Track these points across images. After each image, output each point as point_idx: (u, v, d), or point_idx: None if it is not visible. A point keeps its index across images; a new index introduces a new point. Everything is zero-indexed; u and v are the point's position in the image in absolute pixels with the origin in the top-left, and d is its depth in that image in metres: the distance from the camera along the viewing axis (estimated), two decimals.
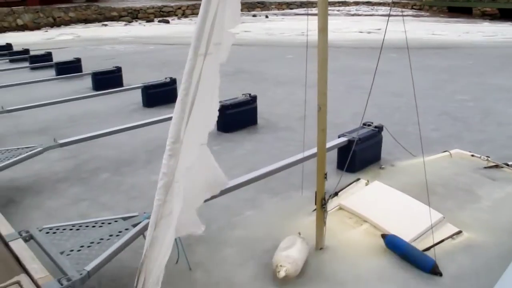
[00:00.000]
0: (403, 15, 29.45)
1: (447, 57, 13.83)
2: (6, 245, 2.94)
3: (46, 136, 6.63)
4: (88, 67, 11.48)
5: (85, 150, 6.01)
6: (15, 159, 4.75)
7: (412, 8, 37.67)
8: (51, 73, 11.41)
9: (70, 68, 11.41)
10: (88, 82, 10.30)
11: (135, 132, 6.14)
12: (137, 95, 8.62)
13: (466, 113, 7.70)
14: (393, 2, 40.55)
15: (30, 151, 4.98)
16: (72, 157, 5.85)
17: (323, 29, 3.00)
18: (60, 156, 5.83)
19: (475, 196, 4.58)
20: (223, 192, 3.82)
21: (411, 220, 3.90)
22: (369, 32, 22.03)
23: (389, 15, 3.67)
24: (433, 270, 3.36)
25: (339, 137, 5.20)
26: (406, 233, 3.68)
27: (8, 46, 15.22)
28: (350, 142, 5.05)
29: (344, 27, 24.17)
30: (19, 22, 26.46)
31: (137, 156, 5.88)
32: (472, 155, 5.46)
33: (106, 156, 5.92)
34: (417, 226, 3.80)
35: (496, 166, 5.16)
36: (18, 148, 5.06)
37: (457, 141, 6.27)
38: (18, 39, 19.43)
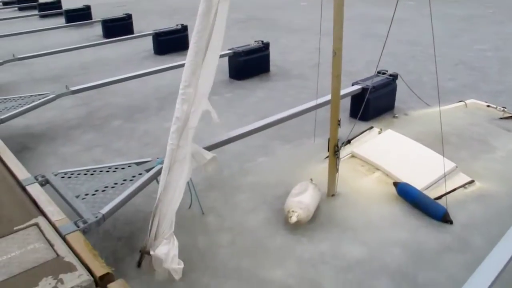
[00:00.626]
0: None
1: (467, 6, 13.35)
2: (23, 189, 2.99)
3: (58, 83, 6.62)
4: (98, 14, 11.30)
5: (97, 97, 6.02)
6: (28, 106, 4.76)
7: None
8: (61, 21, 11.28)
9: (80, 15, 11.26)
10: (98, 29, 10.18)
11: (146, 79, 6.11)
12: (148, 43, 8.52)
13: (483, 63, 7.51)
14: None
15: (43, 98, 4.98)
16: (84, 104, 5.86)
17: None
18: (73, 103, 5.85)
19: (489, 146, 4.53)
20: (235, 139, 3.83)
21: (424, 169, 3.89)
22: None
23: None
24: (444, 218, 3.38)
25: (353, 85, 5.13)
26: (418, 182, 3.68)
27: None
28: (364, 90, 4.98)
29: None
30: None
31: (149, 103, 5.87)
32: (488, 106, 5.37)
33: (118, 103, 5.92)
34: (430, 175, 3.79)
35: None
36: (31, 96, 5.06)
37: (473, 91, 6.15)
38: None
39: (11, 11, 13.16)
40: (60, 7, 12.55)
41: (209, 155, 3.17)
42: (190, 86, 2.44)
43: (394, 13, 3.16)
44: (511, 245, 2.49)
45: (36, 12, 12.58)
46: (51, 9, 12.48)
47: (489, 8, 13.01)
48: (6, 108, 4.68)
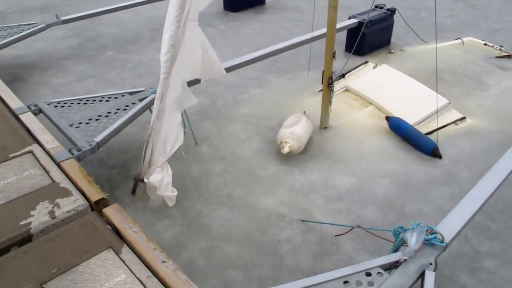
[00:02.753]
0: None
1: None
2: (17, 118, 2.98)
3: (48, 13, 6.44)
4: None
5: (89, 28, 5.89)
6: (18, 35, 4.65)
7: None
8: None
9: None
10: None
11: (139, 10, 5.95)
12: None
13: (484, 1, 7.34)
14: None
15: (33, 27, 4.86)
16: (75, 35, 5.74)
17: None
18: (64, 34, 5.73)
19: (483, 84, 4.53)
20: (228, 70, 3.80)
21: (417, 104, 3.91)
22: None
23: None
24: (433, 152, 3.44)
25: (349, 18, 5.03)
26: (410, 117, 3.71)
27: None
28: (360, 23, 4.89)
29: None
30: None
31: (141, 34, 5.75)
32: (485, 44, 5.31)
33: (110, 34, 5.80)
34: (422, 110, 3.82)
35: (508, 56, 5.04)
36: (20, 25, 4.93)
37: (472, 29, 6.06)
38: None
39: None
40: None
41: (193, 100, 3.17)
42: (183, 11, 2.38)
43: None
44: (495, 179, 2.55)
45: None
46: None
47: None
48: None
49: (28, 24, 4.95)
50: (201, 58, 3.15)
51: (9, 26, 4.89)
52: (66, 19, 5.19)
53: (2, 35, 4.63)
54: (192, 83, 3.50)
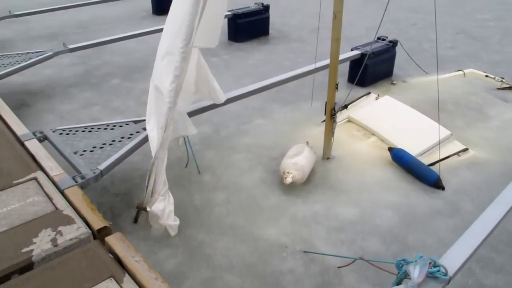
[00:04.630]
0: None
1: None
2: (22, 144, 3.00)
3: (55, 41, 6.54)
4: None
5: (95, 56, 5.98)
6: (26, 63, 4.73)
7: None
8: None
9: None
10: None
11: (145, 39, 6.05)
12: (147, 2, 8.38)
13: (485, 33, 7.45)
14: None
15: (41, 55, 4.95)
16: (82, 63, 5.83)
17: None
18: (70, 61, 5.82)
19: (484, 115, 4.56)
20: (231, 100, 3.85)
21: (419, 135, 3.93)
22: None
23: None
24: (436, 183, 3.44)
25: (352, 50, 5.11)
26: (413, 148, 3.72)
27: None
28: (363, 55, 4.96)
29: None
30: None
31: (147, 62, 5.82)
32: (486, 76, 5.37)
33: (116, 62, 5.89)
34: (424, 141, 3.84)
35: (510, 88, 5.09)
36: (28, 53, 5.02)
37: (473, 60, 6.13)
38: None
39: None
40: None
41: (193, 130, 3.21)
42: (189, 44, 2.43)
43: None
44: (499, 210, 2.55)
45: None
46: None
47: None
48: (3, 64, 4.65)
49: (36, 52, 5.04)
50: (198, 80, 3.22)
51: (18, 54, 4.98)
52: (73, 48, 5.28)
53: (10, 62, 4.70)
54: (195, 112, 3.55)
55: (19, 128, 3.22)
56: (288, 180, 3.22)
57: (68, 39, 6.29)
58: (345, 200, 3.29)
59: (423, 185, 3.47)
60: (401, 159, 3.64)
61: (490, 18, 8.37)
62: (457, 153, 3.84)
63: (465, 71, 5.49)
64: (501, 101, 4.85)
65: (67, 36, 6.90)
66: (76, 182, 2.63)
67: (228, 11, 6.67)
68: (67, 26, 7.49)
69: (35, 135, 3.13)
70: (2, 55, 4.93)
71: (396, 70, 5.51)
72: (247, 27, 6.72)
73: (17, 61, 4.75)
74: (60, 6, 7.45)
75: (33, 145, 3.00)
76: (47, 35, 7.02)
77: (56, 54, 5.10)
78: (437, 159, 3.65)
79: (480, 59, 6.22)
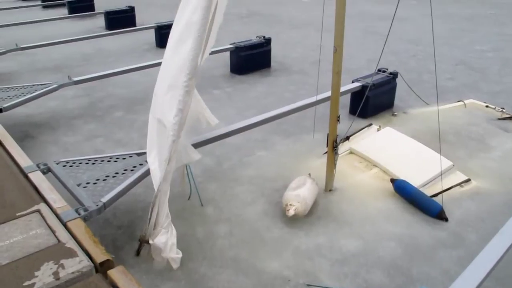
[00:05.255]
0: None
1: (469, 6, 13.36)
2: (26, 176, 3.02)
3: (60, 74, 6.66)
4: (101, 6, 11.32)
5: (99, 88, 6.06)
6: (31, 95, 4.80)
7: None
8: (63, 11, 11.31)
9: (83, 6, 11.28)
10: (101, 21, 10.20)
11: (148, 72, 6.13)
12: (151, 35, 8.54)
13: (484, 64, 7.54)
14: None
15: (45, 87, 5.02)
16: (86, 95, 5.90)
17: None
18: (75, 93, 5.89)
19: (486, 146, 4.57)
20: (234, 133, 3.89)
21: (421, 166, 3.94)
22: None
23: None
24: (439, 215, 3.43)
25: (353, 82, 5.17)
26: (415, 179, 3.72)
27: None
28: (363, 87, 5.02)
29: None
30: None
31: (150, 95, 5.78)
32: (487, 106, 5.41)
33: (120, 94, 5.96)
34: (427, 173, 3.84)
35: (510, 118, 5.12)
36: (33, 85, 5.10)
37: (473, 91, 6.18)
38: None
39: (14, 1, 13.19)
40: None
41: (196, 155, 3.22)
42: (193, 78, 2.47)
43: (395, 12, 3.20)
44: (504, 242, 2.53)
45: (39, 2, 12.62)
46: (54, 0, 12.51)
47: (491, 8, 13.02)
48: (8, 97, 4.71)
49: (41, 84, 5.12)
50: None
51: (23, 86, 5.06)
52: (77, 80, 5.37)
53: (16, 95, 4.77)
54: (198, 145, 3.57)
55: (23, 160, 3.25)
56: (291, 212, 3.21)
57: (73, 71, 6.40)
58: (348, 232, 3.28)
59: (426, 216, 3.45)
60: (403, 190, 3.64)
61: (489, 49, 8.48)
62: (459, 184, 3.84)
63: (466, 101, 5.53)
64: (502, 131, 4.87)
65: (72, 68, 7.01)
66: (79, 214, 2.64)
67: (230, 44, 6.79)
68: (72, 58, 7.62)
69: (39, 167, 3.15)
70: (8, 87, 5.01)
71: (397, 101, 5.56)
72: (249, 60, 6.83)
73: (23, 93, 4.82)
74: (65, 39, 7.61)
75: (37, 177, 3.01)
76: (52, 67, 7.14)
77: (61, 86, 5.17)
78: (440, 190, 3.65)
79: (480, 90, 6.28)
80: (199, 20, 2.40)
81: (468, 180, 3.88)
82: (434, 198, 3.58)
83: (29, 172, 3.06)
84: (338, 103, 3.45)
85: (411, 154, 4.14)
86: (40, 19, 9.63)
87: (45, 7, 12.30)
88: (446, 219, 3.41)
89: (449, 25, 10.37)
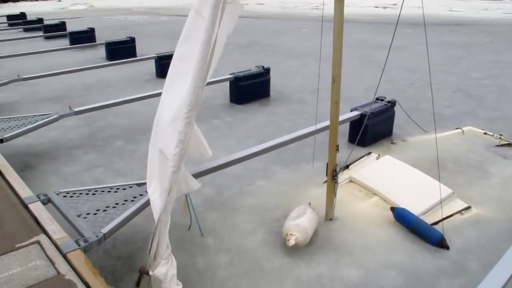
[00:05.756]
0: None
1: (464, 34, 13.59)
2: (26, 207, 3.03)
3: (61, 104, 6.72)
4: (102, 37, 11.51)
5: (100, 118, 6.10)
6: (32, 125, 4.84)
7: None
8: (65, 42, 11.47)
9: (84, 37, 11.46)
10: (101, 52, 10.35)
11: (148, 102, 6.19)
12: (151, 66, 8.65)
13: (480, 91, 7.63)
14: None
15: (46, 118, 5.07)
16: (86, 125, 5.94)
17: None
18: (75, 123, 5.93)
19: (485, 173, 4.58)
20: (234, 162, 3.90)
21: (421, 194, 3.93)
22: (384, 7, 21.66)
23: None
24: (440, 243, 3.41)
25: (351, 110, 5.21)
26: (415, 207, 3.72)
27: (22, 15, 15.30)
28: (362, 116, 5.06)
29: (359, 1, 23.75)
30: None
31: (150, 125, 5.82)
32: (485, 133, 5.44)
33: (120, 124, 6.00)
34: (427, 200, 3.84)
35: (509, 145, 5.15)
36: (34, 115, 5.15)
37: (470, 118, 6.24)
38: (31, 9, 19.47)
39: (17, 32, 13.44)
40: (65, 29, 12.81)
41: (196, 184, 3.23)
42: (194, 109, 2.50)
43: (392, 41, 3.25)
44: (506, 270, 2.52)
45: (41, 33, 12.83)
46: (56, 30, 12.74)
47: (486, 37, 13.23)
48: (10, 127, 4.75)
49: (42, 115, 5.17)
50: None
51: (24, 116, 5.11)
52: (78, 110, 5.42)
53: (17, 125, 4.82)
54: (198, 175, 3.59)
55: (23, 191, 3.26)
56: (291, 242, 3.20)
57: (74, 101, 6.46)
58: (349, 262, 3.26)
59: (427, 245, 3.44)
60: (404, 219, 3.64)
61: (485, 77, 8.59)
62: (460, 212, 3.83)
63: (464, 128, 5.57)
64: (501, 158, 4.88)
65: (73, 98, 7.08)
66: (79, 245, 2.63)
67: (230, 74, 6.88)
68: (73, 88, 7.70)
69: (39, 198, 3.16)
70: (9, 118, 5.05)
71: (395, 129, 5.60)
72: (249, 90, 6.91)
73: (24, 124, 4.86)
74: (67, 69, 7.72)
75: (37, 208, 3.02)
76: (53, 98, 7.21)
77: (62, 116, 5.22)
78: (440, 217, 3.64)
79: (478, 117, 6.33)
80: (199, 53, 2.44)
81: (468, 208, 3.88)
82: (434, 226, 3.57)
83: (29, 203, 3.07)
84: (337, 133, 3.47)
85: (411, 182, 4.15)
86: (42, 50, 9.80)
87: (47, 38, 12.51)
88: (447, 247, 3.39)
89: (446, 53, 10.52)
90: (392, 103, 5.44)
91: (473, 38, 13.03)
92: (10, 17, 14.93)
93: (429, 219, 3.66)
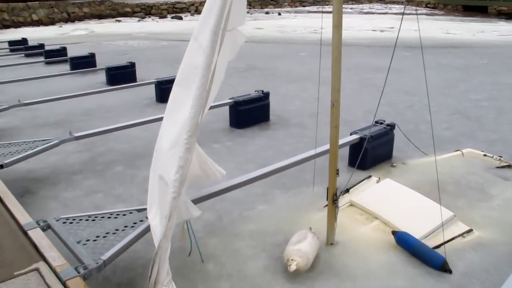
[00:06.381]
0: (417, 14, 29.13)
1: (461, 56, 13.72)
2: (25, 233, 3.02)
3: (61, 129, 6.75)
4: (102, 62, 11.61)
5: (100, 143, 6.11)
6: (32, 151, 4.86)
7: (426, 7, 37.22)
8: (66, 67, 11.56)
9: (84, 63, 11.55)
10: (102, 77, 10.43)
11: (148, 127, 6.22)
12: (151, 90, 8.70)
13: (479, 113, 7.66)
14: (407, 0, 40.29)
15: (47, 143, 5.08)
16: (87, 150, 5.95)
17: (337, 25, 3.02)
18: (75, 148, 5.94)
19: (486, 195, 4.57)
20: (234, 187, 3.90)
21: (422, 218, 3.92)
22: (382, 31, 21.90)
23: (403, 14, 3.68)
24: (442, 267, 3.38)
25: (351, 134, 5.23)
26: (416, 231, 3.70)
27: (24, 41, 15.44)
28: (362, 139, 5.08)
29: (357, 25, 24.03)
30: (34, 17, 26.80)
31: (150, 150, 5.81)
32: (485, 155, 5.45)
33: (120, 149, 6.01)
34: (428, 224, 3.82)
35: (509, 166, 5.15)
36: (35, 141, 5.16)
37: (470, 140, 6.25)
38: (33, 34, 19.65)
39: (18, 57, 13.55)
40: (66, 54, 12.91)
41: (196, 211, 3.23)
42: (194, 135, 2.51)
43: (390, 64, 3.29)
44: None
45: (42, 58, 12.95)
46: (56, 56, 12.85)
47: (483, 59, 13.35)
48: (10, 152, 4.76)
49: (42, 140, 5.19)
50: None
51: (24, 142, 5.13)
52: (78, 136, 5.43)
53: (17, 150, 4.83)
54: (198, 200, 3.58)
55: (23, 217, 3.25)
56: (292, 267, 3.18)
57: (74, 126, 6.48)
58: (350, 287, 3.22)
59: (429, 269, 3.41)
60: (405, 243, 3.61)
61: (484, 98, 8.64)
62: (461, 235, 3.81)
63: (463, 151, 5.57)
64: (502, 180, 4.88)
65: (73, 123, 7.11)
66: (79, 273, 2.62)
67: (229, 98, 6.91)
68: (73, 113, 7.73)
69: (39, 224, 3.15)
70: (9, 143, 5.07)
71: (395, 152, 5.61)
72: (248, 114, 6.93)
73: (24, 149, 4.87)
74: (67, 94, 7.77)
75: (36, 234, 3.01)
76: (54, 123, 7.23)
77: (62, 142, 5.24)
78: (442, 241, 3.62)
79: (477, 139, 6.35)
80: (199, 79, 2.47)
81: (470, 231, 3.86)
82: (436, 250, 3.54)
83: (29, 229, 3.06)
84: (337, 157, 3.48)
85: (412, 205, 4.14)
86: (42, 75, 9.87)
87: (47, 63, 12.61)
88: (450, 271, 3.37)
89: (443, 75, 10.60)
90: (392, 126, 5.46)
91: (470, 60, 13.14)
92: (11, 43, 15.08)
93: (430, 243, 3.64)
